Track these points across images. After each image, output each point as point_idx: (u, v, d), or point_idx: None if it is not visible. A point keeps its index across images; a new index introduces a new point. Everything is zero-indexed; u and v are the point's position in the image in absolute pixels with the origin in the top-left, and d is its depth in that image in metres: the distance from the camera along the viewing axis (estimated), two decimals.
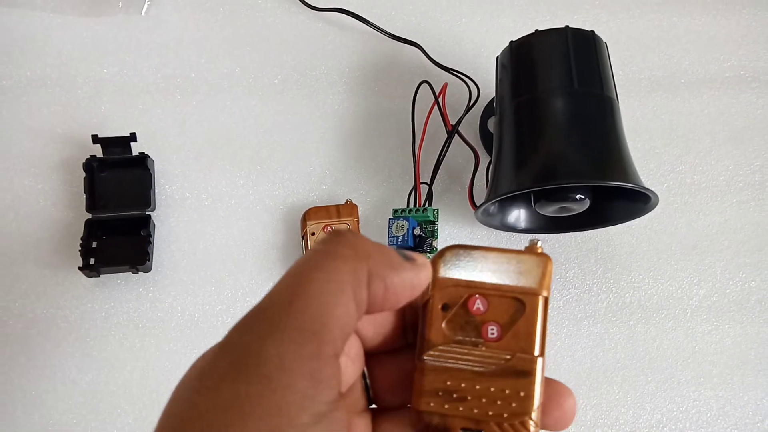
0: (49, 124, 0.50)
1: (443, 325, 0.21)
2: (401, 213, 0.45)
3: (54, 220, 0.47)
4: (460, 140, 0.47)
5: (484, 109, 0.50)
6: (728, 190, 0.49)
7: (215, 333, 0.20)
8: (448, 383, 0.20)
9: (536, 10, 0.54)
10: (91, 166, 0.46)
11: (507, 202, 0.45)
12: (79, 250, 0.45)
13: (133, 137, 0.47)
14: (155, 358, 0.44)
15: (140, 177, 0.47)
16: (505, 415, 0.20)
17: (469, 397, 0.20)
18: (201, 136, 0.50)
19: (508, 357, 0.20)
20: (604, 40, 0.44)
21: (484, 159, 0.47)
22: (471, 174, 0.46)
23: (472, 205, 0.45)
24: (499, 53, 0.45)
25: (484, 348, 0.20)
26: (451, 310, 0.21)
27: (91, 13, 0.53)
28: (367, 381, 0.22)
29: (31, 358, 0.44)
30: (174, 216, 0.47)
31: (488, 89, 0.48)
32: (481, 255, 0.21)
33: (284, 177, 0.49)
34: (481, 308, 0.20)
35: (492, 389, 0.20)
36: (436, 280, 0.21)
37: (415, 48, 0.51)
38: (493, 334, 0.20)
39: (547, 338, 0.21)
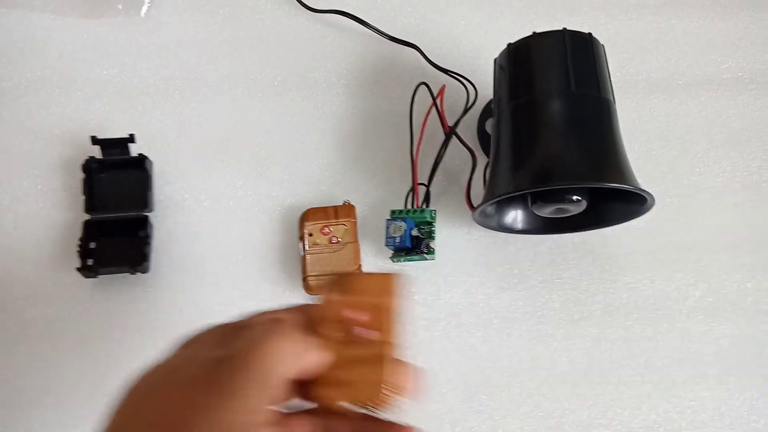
0: (49, 125, 0.50)
1: (327, 331, 0.28)
2: (399, 214, 0.45)
3: (53, 221, 0.47)
4: (458, 142, 0.47)
5: (482, 110, 0.50)
6: (725, 192, 0.49)
7: None
8: (331, 372, 0.27)
9: (534, 12, 0.54)
10: (89, 167, 0.47)
11: (504, 204, 0.45)
12: (78, 251, 0.45)
13: (131, 138, 0.47)
14: (153, 359, 0.44)
15: (139, 178, 0.47)
16: (372, 387, 0.26)
17: (345, 382, 0.27)
18: (200, 137, 0.50)
19: (374, 346, 0.27)
20: (602, 43, 0.44)
21: (482, 160, 0.47)
22: (468, 175, 0.47)
23: (470, 206, 0.45)
24: (497, 55, 0.45)
25: (356, 344, 0.28)
26: (330, 320, 0.28)
27: (91, 15, 0.53)
28: None
29: (29, 358, 0.44)
30: (172, 217, 0.48)
31: (486, 91, 0.48)
32: (348, 280, 0.29)
33: (283, 178, 0.49)
34: (353, 316, 0.28)
35: (362, 373, 0.27)
36: (324, 301, 0.28)
37: (413, 50, 0.51)
38: (362, 332, 0.28)
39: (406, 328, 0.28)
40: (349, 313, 0.28)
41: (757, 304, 0.46)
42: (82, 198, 0.46)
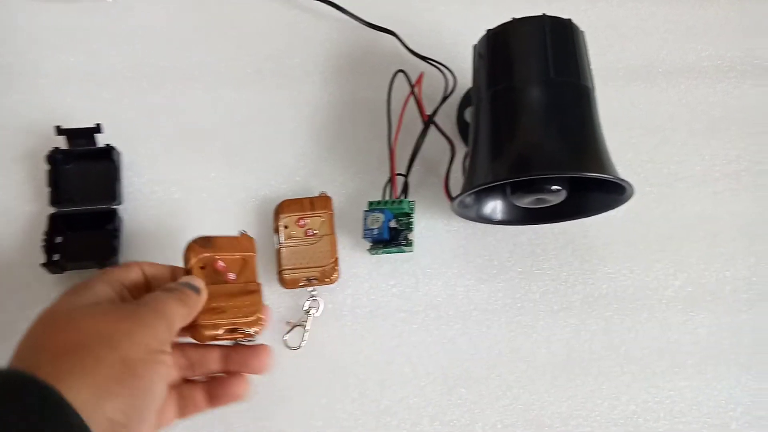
0: (11, 114, 0.48)
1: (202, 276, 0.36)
2: (377, 205, 0.44)
3: (15, 215, 0.45)
4: (437, 131, 0.46)
5: (462, 99, 0.49)
6: (704, 181, 0.49)
7: None
8: (213, 305, 0.35)
9: None
10: (54, 158, 0.45)
11: (483, 194, 0.45)
12: (43, 246, 0.43)
13: (98, 128, 0.45)
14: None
15: (107, 169, 0.45)
16: (247, 315, 0.36)
17: (225, 310, 0.35)
18: (170, 126, 0.48)
19: (243, 285, 0.37)
20: (582, 29, 0.44)
21: (461, 150, 0.47)
22: (447, 165, 0.46)
23: (448, 196, 0.44)
24: (476, 42, 0.45)
25: (229, 285, 0.37)
26: (206, 268, 0.37)
27: None
28: None
29: None
30: (142, 210, 0.46)
31: (465, 79, 0.47)
32: (212, 241, 0.37)
33: (257, 169, 0.48)
34: (223, 264, 0.37)
35: (237, 303, 0.36)
36: (197, 255, 0.37)
37: (391, 36, 0.50)
38: (232, 277, 0.37)
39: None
40: (222, 264, 0.37)
41: (735, 293, 0.46)
42: (47, 190, 0.45)
